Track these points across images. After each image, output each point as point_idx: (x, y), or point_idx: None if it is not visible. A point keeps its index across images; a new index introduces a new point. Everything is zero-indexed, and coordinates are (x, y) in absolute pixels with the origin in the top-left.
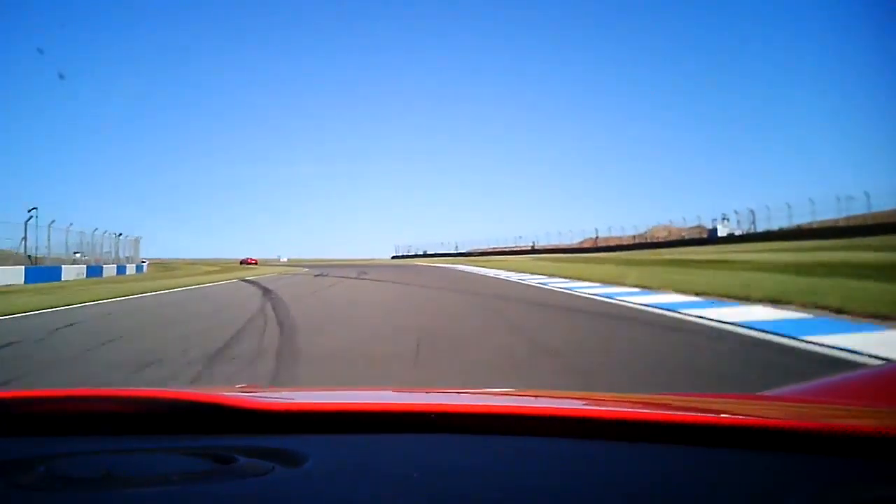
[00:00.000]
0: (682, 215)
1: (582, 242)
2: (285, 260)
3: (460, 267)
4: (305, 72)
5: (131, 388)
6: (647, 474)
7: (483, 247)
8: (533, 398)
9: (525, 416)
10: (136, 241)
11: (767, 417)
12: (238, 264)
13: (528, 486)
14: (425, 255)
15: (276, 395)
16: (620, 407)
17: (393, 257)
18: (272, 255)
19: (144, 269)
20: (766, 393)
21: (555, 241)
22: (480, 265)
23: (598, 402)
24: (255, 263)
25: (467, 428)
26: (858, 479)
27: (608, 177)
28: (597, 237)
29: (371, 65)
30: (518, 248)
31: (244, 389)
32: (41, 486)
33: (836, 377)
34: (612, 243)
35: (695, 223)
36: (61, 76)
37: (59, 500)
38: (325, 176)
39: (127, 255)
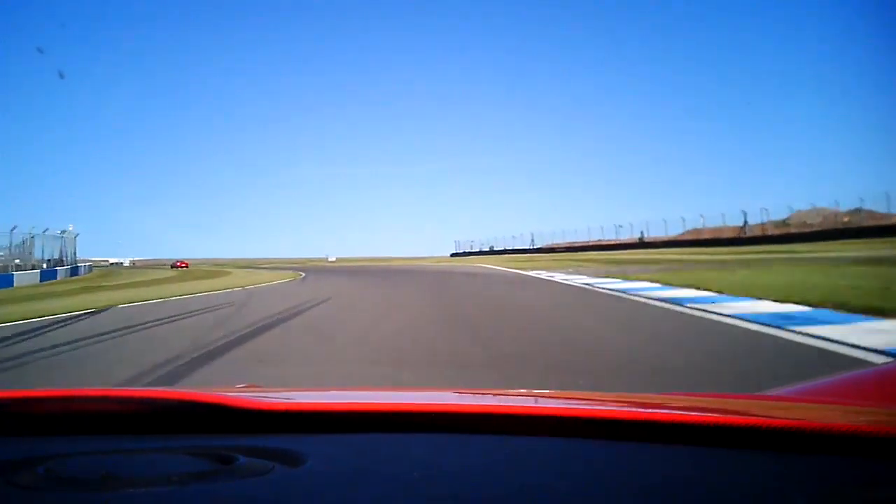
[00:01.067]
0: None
1: (717, 231)
2: (333, 259)
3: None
4: (363, 72)
5: (131, 387)
6: (648, 475)
7: (568, 240)
8: (533, 398)
9: (525, 415)
10: (71, 237)
11: (768, 417)
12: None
13: (527, 486)
14: (491, 252)
15: (276, 395)
16: (621, 407)
17: (452, 255)
18: (320, 255)
19: (81, 272)
20: (767, 393)
21: (673, 231)
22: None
23: (598, 401)
24: (186, 267)
25: (467, 428)
26: (860, 479)
27: (711, 158)
28: (745, 224)
29: (440, 60)
30: (619, 242)
31: (244, 389)
32: (41, 486)
33: (837, 377)
34: (757, 233)
35: (853, 206)
36: (61, 76)
37: (59, 500)
38: (382, 175)
39: (53, 256)
